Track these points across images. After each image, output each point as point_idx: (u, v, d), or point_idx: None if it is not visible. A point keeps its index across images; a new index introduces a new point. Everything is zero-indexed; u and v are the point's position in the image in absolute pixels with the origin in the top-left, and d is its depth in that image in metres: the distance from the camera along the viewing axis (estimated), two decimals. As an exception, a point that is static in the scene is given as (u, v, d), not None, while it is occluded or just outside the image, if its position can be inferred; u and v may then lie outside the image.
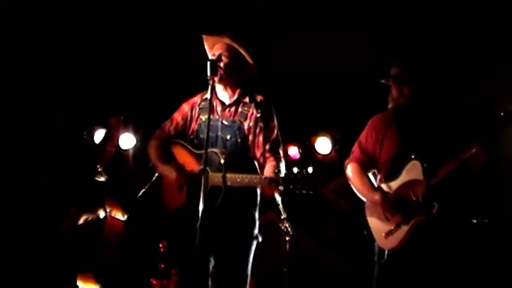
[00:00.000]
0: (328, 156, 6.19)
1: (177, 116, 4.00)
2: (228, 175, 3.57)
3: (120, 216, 4.28)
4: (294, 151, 6.38)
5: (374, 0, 5.37)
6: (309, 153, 6.31)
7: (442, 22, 5.29)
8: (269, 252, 5.46)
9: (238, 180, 3.56)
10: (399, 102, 3.78)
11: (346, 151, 6.16)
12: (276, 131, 3.81)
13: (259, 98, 3.85)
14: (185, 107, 3.99)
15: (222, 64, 3.76)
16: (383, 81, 3.83)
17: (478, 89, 5.53)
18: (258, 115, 3.75)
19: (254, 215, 3.81)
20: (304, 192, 3.51)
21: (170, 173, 3.79)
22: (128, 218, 4.55)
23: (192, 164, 3.79)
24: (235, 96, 3.86)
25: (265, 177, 3.53)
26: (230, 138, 3.79)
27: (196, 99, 3.98)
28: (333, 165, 6.22)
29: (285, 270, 5.19)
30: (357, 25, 5.50)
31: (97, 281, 4.16)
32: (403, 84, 3.75)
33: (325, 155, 6.18)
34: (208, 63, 3.55)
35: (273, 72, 5.85)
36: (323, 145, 6.18)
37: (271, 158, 3.70)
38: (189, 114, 3.96)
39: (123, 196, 4.81)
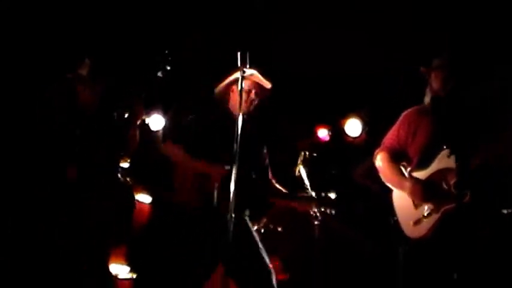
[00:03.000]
0: (358, 138, 6.14)
1: None
2: None
3: (146, 197, 4.30)
4: (323, 133, 6.35)
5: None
6: (338, 135, 6.28)
7: (442, 22, 5.21)
8: (299, 237, 5.51)
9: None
10: (437, 94, 3.72)
11: (376, 133, 6.16)
12: None
13: None
14: None
15: (253, 99, 4.10)
16: (424, 71, 3.78)
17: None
18: None
19: None
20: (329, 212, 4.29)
21: None
22: (154, 200, 4.57)
23: None
24: None
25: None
26: None
27: None
28: (363, 147, 6.20)
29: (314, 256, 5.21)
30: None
31: (128, 261, 4.20)
32: (445, 76, 3.67)
33: (355, 137, 6.13)
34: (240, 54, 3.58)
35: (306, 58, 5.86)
36: (353, 127, 6.12)
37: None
38: None
39: (148, 178, 4.85)
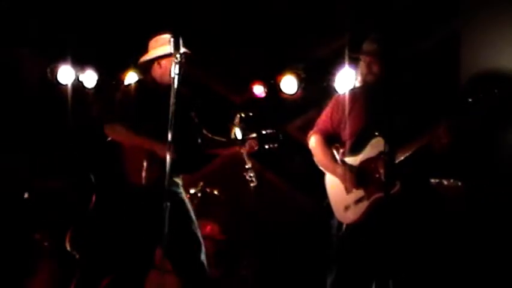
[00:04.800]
0: (293, 95, 6.11)
1: None
2: None
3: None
4: (259, 90, 6.30)
5: None
6: (274, 92, 6.22)
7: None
8: (235, 202, 5.53)
9: None
10: (367, 79, 3.70)
11: (311, 90, 6.14)
12: None
13: None
14: None
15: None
16: (354, 55, 3.77)
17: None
18: None
19: None
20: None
21: None
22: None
23: None
24: None
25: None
26: None
27: None
28: (298, 104, 6.19)
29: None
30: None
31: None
32: (374, 61, 3.65)
33: (291, 94, 6.09)
34: None
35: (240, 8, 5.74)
36: (289, 84, 6.06)
37: None
38: None
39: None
